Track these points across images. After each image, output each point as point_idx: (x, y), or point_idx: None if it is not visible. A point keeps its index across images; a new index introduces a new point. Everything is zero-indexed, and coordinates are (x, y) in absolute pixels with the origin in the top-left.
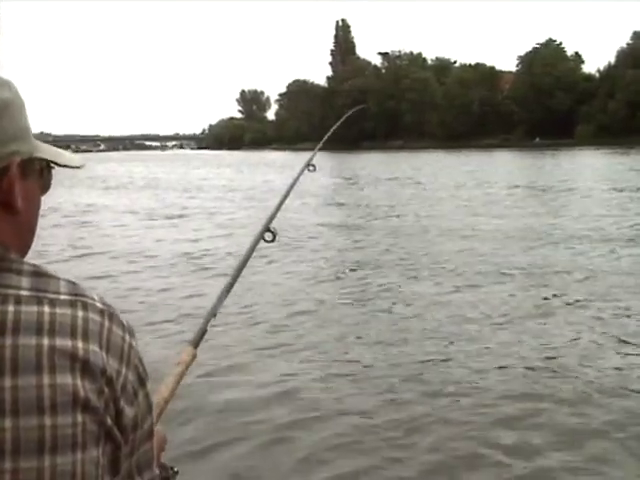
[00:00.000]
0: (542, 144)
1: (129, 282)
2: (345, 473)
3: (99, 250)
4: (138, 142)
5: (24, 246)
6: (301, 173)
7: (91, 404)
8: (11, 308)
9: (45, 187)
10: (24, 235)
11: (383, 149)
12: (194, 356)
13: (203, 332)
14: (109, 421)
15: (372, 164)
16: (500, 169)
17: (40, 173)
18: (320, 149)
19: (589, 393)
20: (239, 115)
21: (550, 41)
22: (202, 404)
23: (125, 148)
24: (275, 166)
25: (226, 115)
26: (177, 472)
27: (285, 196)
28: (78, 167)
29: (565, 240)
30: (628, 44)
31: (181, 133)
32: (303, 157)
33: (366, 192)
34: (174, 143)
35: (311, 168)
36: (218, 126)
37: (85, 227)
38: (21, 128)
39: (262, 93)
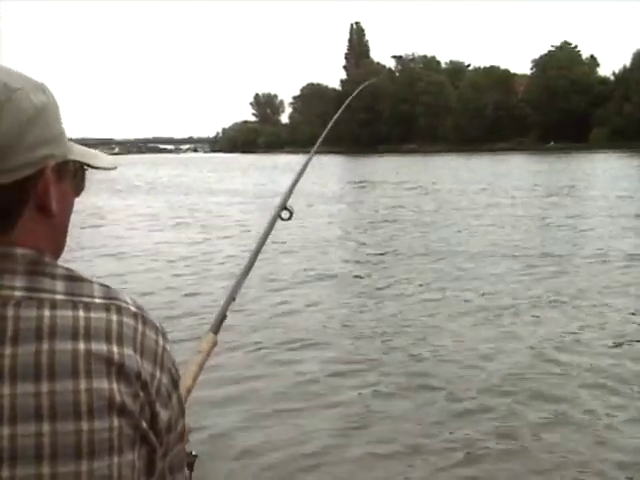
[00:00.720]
0: (556, 147)
1: (134, 281)
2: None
3: (104, 251)
4: (152, 145)
5: (57, 249)
6: (315, 148)
7: (127, 408)
8: (47, 313)
9: (79, 189)
10: (58, 238)
11: (397, 152)
12: (215, 343)
13: (223, 317)
14: (144, 425)
15: (383, 167)
16: (511, 174)
17: (74, 175)
18: (335, 152)
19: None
20: (253, 118)
21: (565, 44)
22: (221, 389)
23: (139, 151)
24: (285, 170)
25: (240, 118)
26: (196, 456)
27: (300, 174)
28: (111, 169)
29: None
30: None
31: (195, 136)
32: (315, 160)
33: (371, 194)
34: (188, 146)
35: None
36: (232, 129)
37: (91, 228)
38: (56, 131)
39: (276, 96)
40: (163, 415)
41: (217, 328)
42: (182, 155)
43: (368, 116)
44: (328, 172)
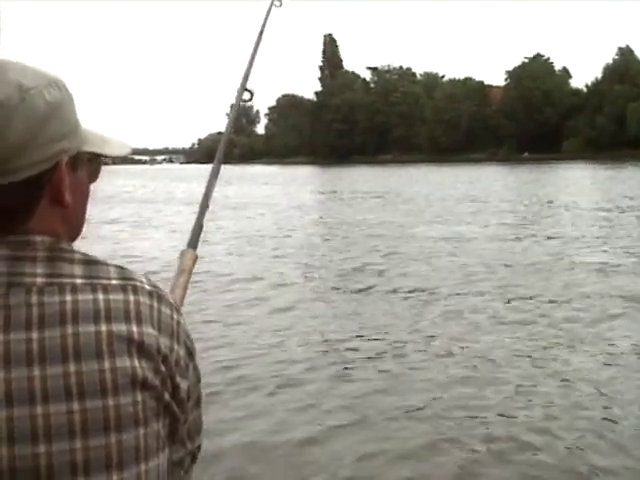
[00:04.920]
0: (530, 158)
1: None
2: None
3: None
4: (127, 156)
5: (74, 234)
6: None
7: (149, 383)
8: (69, 297)
9: (94, 176)
10: (73, 225)
11: (373, 163)
12: (195, 258)
13: (199, 230)
14: (167, 396)
15: (356, 178)
16: (481, 184)
17: (88, 162)
18: (312, 163)
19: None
20: None
21: (538, 56)
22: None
23: (114, 162)
24: (251, 180)
25: (216, 129)
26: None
27: (257, 44)
28: (124, 156)
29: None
30: (614, 60)
31: (170, 147)
32: (288, 170)
33: (343, 205)
34: (163, 157)
35: (277, 3)
36: (208, 140)
37: None
38: (70, 125)
39: (252, 107)
40: (183, 385)
41: (195, 242)
42: (157, 166)
43: (344, 127)
44: (299, 183)
